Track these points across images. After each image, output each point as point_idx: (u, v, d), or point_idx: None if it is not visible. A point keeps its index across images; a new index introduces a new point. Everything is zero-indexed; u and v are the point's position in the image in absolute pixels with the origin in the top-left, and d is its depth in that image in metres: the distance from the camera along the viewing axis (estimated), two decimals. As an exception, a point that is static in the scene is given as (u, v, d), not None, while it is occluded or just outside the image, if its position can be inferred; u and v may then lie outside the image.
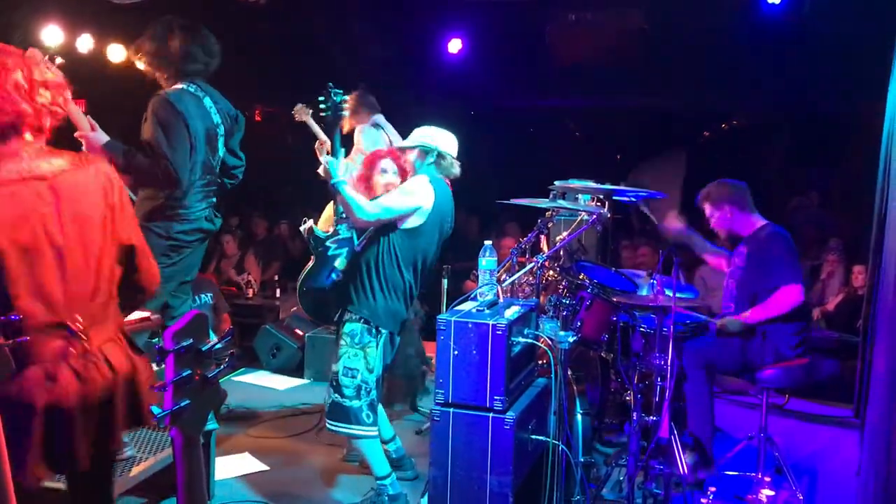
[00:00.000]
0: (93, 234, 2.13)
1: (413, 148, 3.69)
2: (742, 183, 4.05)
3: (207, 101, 3.52)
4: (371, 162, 3.93)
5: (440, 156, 3.63)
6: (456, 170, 3.70)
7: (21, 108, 2.05)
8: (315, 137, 4.28)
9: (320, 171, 3.70)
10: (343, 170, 3.60)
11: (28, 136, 2.09)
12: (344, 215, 3.80)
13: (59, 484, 2.52)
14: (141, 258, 2.29)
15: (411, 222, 3.50)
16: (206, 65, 3.55)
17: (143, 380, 2.23)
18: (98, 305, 2.17)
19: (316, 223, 4.10)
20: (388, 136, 4.96)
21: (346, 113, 3.81)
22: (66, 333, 2.08)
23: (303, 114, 4.40)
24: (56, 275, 2.06)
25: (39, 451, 2.04)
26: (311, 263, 4.02)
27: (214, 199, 3.66)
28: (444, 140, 3.66)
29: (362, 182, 3.91)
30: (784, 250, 3.80)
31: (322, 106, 3.76)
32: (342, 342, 3.55)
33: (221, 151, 3.63)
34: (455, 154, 3.70)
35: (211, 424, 3.59)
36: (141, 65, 3.56)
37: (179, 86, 3.46)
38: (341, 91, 3.74)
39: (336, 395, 3.53)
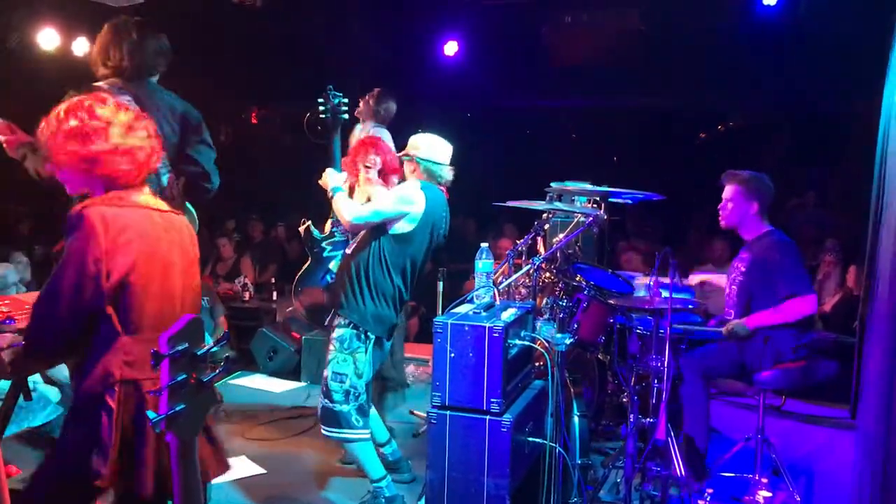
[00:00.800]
0: (190, 257, 2.35)
1: (406, 157, 3.70)
2: None
3: (124, 99, 3.29)
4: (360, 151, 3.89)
5: (432, 163, 3.65)
6: (449, 176, 3.71)
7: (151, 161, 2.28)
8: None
9: (321, 182, 3.71)
10: (341, 178, 3.63)
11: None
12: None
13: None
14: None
15: (401, 228, 3.51)
16: (136, 64, 3.32)
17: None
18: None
19: (317, 226, 4.11)
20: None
21: (346, 116, 3.81)
22: None
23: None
24: (173, 293, 2.24)
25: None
26: (307, 264, 4.03)
27: None
28: (436, 148, 3.67)
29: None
30: (795, 259, 3.79)
31: (321, 108, 3.75)
32: (331, 347, 3.56)
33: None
34: (447, 161, 3.71)
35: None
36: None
37: (98, 83, 3.30)
38: (341, 94, 3.73)
39: (326, 400, 3.54)
